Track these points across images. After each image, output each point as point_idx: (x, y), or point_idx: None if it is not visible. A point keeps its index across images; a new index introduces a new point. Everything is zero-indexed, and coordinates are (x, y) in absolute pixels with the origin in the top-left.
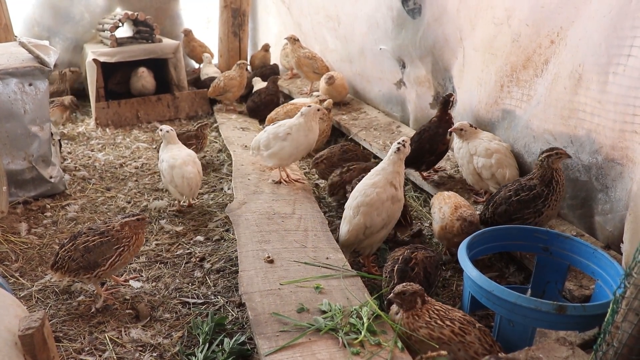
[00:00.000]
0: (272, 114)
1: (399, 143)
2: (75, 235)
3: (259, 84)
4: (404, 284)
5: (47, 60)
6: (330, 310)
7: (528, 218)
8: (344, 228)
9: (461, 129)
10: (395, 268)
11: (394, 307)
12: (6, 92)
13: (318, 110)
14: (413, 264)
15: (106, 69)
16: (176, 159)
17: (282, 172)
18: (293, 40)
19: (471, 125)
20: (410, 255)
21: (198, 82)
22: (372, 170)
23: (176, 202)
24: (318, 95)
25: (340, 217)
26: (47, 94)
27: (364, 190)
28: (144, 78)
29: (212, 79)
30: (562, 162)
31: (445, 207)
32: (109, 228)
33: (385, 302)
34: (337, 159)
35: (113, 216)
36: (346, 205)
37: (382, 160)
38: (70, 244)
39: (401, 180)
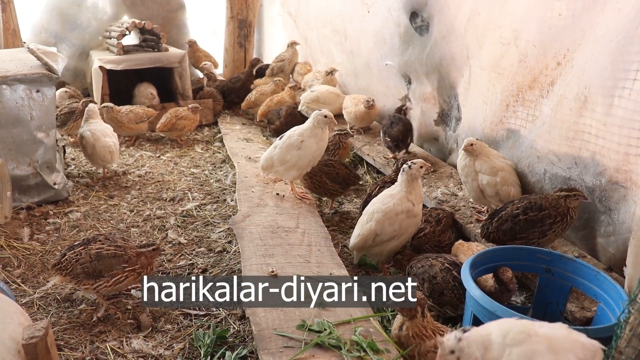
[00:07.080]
0: (264, 107)
1: (405, 164)
2: (89, 239)
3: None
4: None
5: (55, 67)
6: (334, 327)
7: (532, 238)
8: (356, 232)
9: (471, 144)
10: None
11: (398, 319)
12: (14, 98)
13: (325, 117)
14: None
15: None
16: (95, 132)
17: (292, 186)
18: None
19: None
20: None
21: (202, 91)
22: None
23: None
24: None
25: (342, 232)
26: (54, 100)
27: (382, 198)
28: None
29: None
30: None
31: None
32: (126, 246)
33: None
34: (317, 166)
35: (116, 224)
36: (364, 211)
37: (384, 175)
38: (82, 247)
39: (416, 198)
